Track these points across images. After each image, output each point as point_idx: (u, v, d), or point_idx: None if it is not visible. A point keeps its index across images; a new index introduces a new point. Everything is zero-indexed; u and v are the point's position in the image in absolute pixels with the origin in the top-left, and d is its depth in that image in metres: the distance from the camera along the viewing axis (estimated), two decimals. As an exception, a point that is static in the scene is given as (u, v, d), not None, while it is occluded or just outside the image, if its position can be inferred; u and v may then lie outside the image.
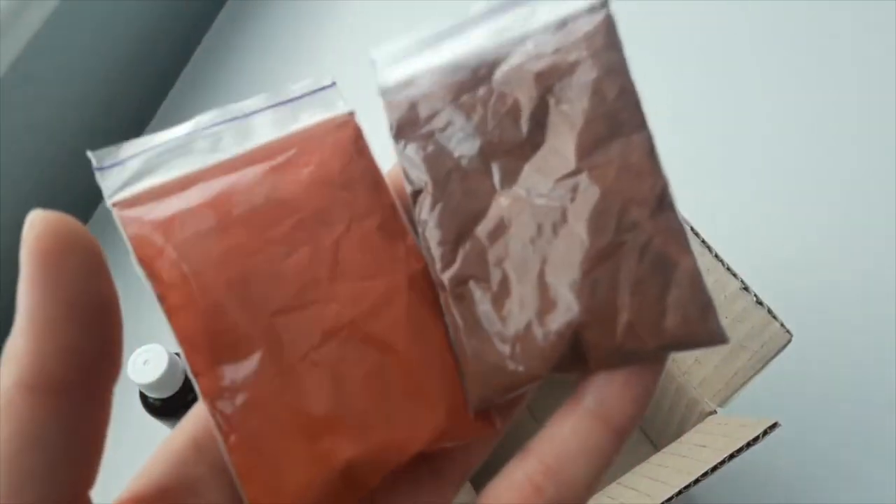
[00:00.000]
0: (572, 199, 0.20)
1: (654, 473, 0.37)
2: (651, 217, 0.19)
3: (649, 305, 0.19)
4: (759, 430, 0.33)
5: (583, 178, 0.20)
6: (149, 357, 0.48)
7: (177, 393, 0.49)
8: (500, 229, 0.20)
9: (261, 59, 0.77)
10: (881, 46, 0.66)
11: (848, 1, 0.68)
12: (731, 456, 0.33)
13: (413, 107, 0.22)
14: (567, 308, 0.19)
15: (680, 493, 0.33)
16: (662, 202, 0.20)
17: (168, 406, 0.50)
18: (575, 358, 0.20)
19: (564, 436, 0.20)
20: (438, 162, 0.21)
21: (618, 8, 0.22)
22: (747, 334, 0.37)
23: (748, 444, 0.33)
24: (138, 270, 0.20)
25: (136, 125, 0.74)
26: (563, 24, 0.21)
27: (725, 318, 0.38)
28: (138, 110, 0.75)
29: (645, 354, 0.19)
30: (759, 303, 0.37)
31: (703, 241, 0.39)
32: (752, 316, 0.37)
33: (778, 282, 0.45)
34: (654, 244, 0.19)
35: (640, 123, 0.21)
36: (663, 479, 0.35)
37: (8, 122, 0.62)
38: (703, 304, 0.19)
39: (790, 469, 0.49)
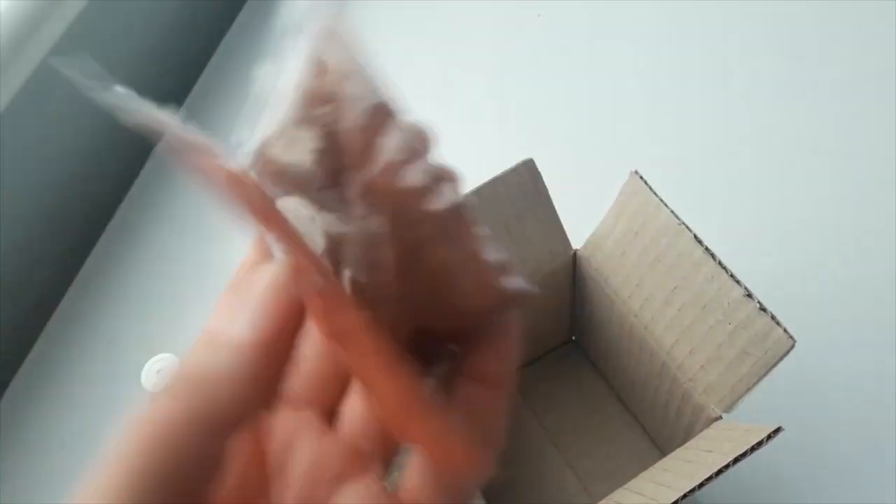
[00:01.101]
0: None
1: (660, 478, 0.37)
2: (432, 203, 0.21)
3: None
4: (764, 435, 0.34)
5: None
6: (162, 366, 0.49)
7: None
8: None
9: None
10: (886, 49, 0.67)
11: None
12: (736, 460, 0.33)
13: None
14: None
15: (685, 496, 0.33)
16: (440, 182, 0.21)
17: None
18: None
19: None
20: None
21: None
22: (751, 341, 0.38)
23: (752, 448, 0.33)
24: None
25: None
26: None
27: (729, 325, 0.39)
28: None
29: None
30: (763, 309, 0.37)
31: (707, 249, 0.39)
32: (756, 322, 0.38)
33: (781, 288, 0.45)
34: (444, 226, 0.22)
35: (392, 114, 0.21)
36: (668, 483, 0.35)
37: (20, 142, 0.63)
38: (503, 263, 0.22)
39: (794, 473, 0.49)
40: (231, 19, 0.83)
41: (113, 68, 0.74)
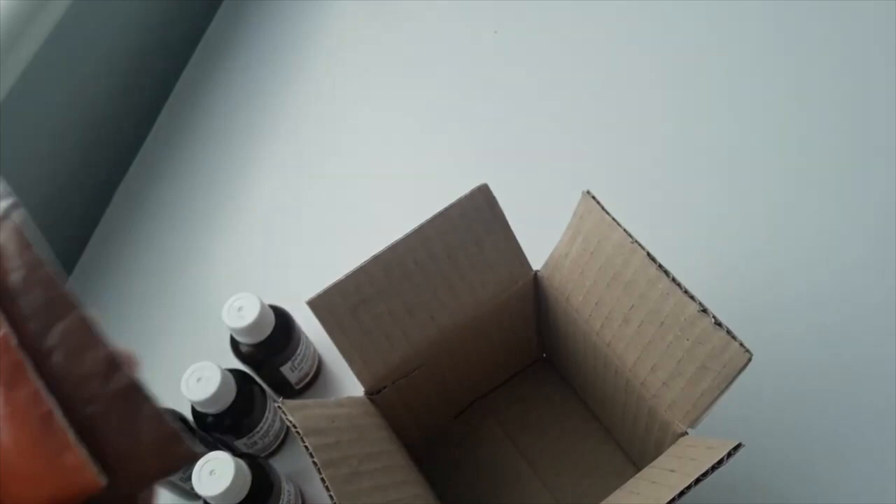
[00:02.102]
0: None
1: (627, 501, 0.37)
2: (103, 386, 0.24)
3: (132, 454, 0.24)
4: (724, 453, 0.34)
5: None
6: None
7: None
8: None
9: (256, 66, 0.79)
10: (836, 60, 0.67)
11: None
12: (698, 480, 0.33)
13: None
14: None
15: (650, 520, 0.33)
16: (111, 366, 0.24)
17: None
18: None
19: None
20: None
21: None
22: (709, 355, 0.38)
23: (713, 468, 0.33)
24: None
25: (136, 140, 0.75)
26: None
27: (687, 341, 0.39)
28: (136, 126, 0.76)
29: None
30: (718, 324, 0.37)
31: (660, 266, 0.40)
32: (712, 337, 0.38)
33: (738, 302, 0.45)
34: (113, 408, 0.24)
35: (71, 305, 0.24)
36: (635, 506, 0.35)
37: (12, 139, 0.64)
38: (170, 435, 0.24)
39: (764, 482, 0.49)
40: (213, 12, 0.84)
41: (99, 65, 0.74)
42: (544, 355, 0.57)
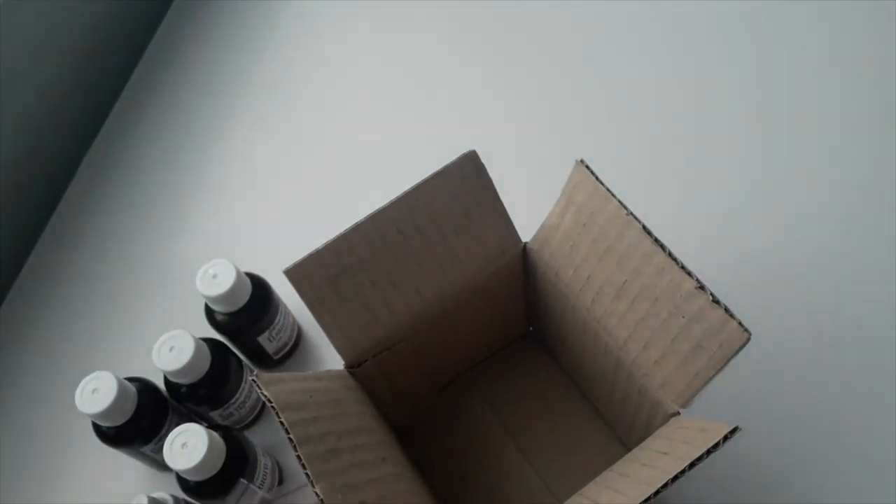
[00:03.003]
0: None
1: (616, 484, 0.36)
2: None
3: None
4: (719, 437, 0.32)
5: None
6: (97, 385, 0.47)
7: (130, 420, 0.48)
8: None
9: (234, 29, 0.77)
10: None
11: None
12: (692, 465, 0.32)
13: None
14: None
15: (641, 505, 0.32)
16: None
17: (122, 434, 0.49)
18: None
19: None
20: None
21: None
22: (704, 334, 0.36)
23: (708, 451, 0.32)
24: None
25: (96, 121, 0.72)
26: None
27: (682, 319, 0.37)
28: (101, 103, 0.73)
29: None
30: (716, 302, 0.36)
31: (657, 240, 0.38)
32: (709, 315, 0.36)
33: (735, 278, 0.44)
34: None
35: None
36: (625, 489, 0.34)
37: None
38: None
39: (758, 467, 0.48)
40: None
41: (71, 23, 0.70)
42: (531, 329, 0.55)
